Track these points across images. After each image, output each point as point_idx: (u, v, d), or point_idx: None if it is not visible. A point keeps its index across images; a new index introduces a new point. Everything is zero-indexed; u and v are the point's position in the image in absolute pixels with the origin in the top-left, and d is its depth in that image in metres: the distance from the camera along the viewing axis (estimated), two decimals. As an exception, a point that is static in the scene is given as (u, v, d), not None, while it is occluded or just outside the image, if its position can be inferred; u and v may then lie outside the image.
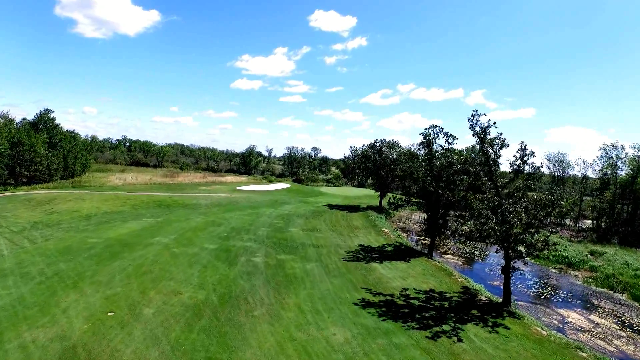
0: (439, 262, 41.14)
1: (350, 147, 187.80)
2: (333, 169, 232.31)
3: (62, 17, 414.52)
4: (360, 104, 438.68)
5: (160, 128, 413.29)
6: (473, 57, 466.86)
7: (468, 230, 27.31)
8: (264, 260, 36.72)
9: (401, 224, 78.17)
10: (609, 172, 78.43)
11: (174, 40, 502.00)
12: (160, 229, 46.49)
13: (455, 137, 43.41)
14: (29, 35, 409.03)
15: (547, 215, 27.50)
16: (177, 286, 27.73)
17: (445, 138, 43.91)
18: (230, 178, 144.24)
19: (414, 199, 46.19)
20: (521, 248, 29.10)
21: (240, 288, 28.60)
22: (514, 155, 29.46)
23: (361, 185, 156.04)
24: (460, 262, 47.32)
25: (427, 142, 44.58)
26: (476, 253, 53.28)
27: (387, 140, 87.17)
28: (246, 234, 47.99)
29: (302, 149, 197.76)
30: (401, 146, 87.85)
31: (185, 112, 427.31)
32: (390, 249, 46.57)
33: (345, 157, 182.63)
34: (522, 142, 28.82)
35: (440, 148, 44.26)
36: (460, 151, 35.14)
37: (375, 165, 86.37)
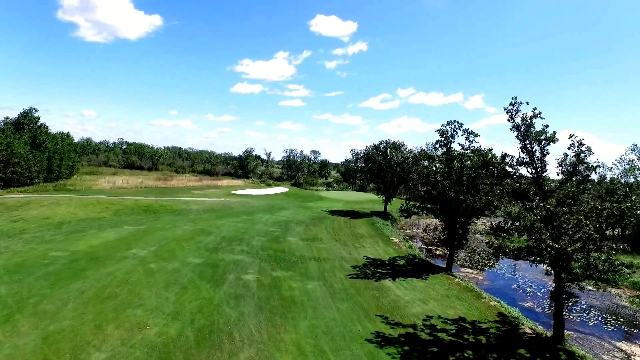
0: (461, 280, 35.41)
1: (352, 149, 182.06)
2: (333, 172, 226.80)
3: (64, 21, 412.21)
4: (360, 108, 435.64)
5: (159, 131, 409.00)
6: (472, 62, 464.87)
7: (515, 248, 21.71)
8: (256, 278, 30.98)
9: (409, 231, 72.55)
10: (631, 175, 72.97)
11: (175, 45, 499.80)
12: (140, 238, 40.71)
13: (476, 134, 37.84)
14: (30, 39, 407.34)
15: (611, 227, 21.83)
16: (145, 316, 21.96)
17: (465, 136, 38.33)
18: (226, 182, 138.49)
19: (429, 206, 40.44)
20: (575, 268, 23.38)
21: (225, 318, 22.86)
22: (565, 153, 23.92)
23: (362, 189, 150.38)
24: (482, 277, 41.65)
25: (445, 140, 38.99)
26: (488, 262, 47.66)
27: (393, 141, 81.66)
28: (238, 244, 42.25)
29: (301, 152, 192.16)
30: (407, 147, 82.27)
31: (184, 115, 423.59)
32: (402, 262, 40.82)
33: (346, 160, 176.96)
34: (573, 135, 23.25)
35: (460, 147, 38.66)
36: (490, 150, 29.35)
37: (380, 168, 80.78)
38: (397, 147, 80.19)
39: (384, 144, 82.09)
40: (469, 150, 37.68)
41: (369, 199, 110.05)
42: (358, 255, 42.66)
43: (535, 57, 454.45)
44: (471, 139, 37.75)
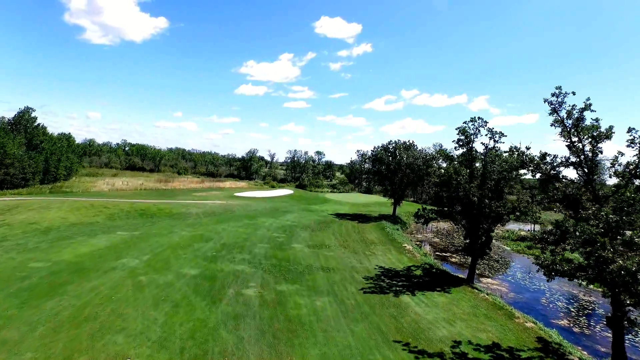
0: (486, 294, 31.80)
1: (358, 150, 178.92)
2: (338, 174, 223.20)
3: (71, 24, 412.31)
4: (364, 109, 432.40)
5: (163, 133, 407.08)
6: (477, 64, 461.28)
7: (573, 267, 18.15)
8: (258, 293, 27.56)
9: (419, 235, 69.04)
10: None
11: (180, 47, 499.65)
12: (133, 246, 37.41)
13: (503, 133, 34.21)
14: (37, 42, 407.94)
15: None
16: (127, 345, 18.57)
17: (489, 135, 34.73)
18: (229, 183, 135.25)
19: (447, 211, 36.82)
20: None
21: (221, 345, 19.45)
22: (619, 152, 20.29)
23: (369, 191, 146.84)
24: (505, 289, 38.04)
25: (467, 139, 35.44)
26: (504, 270, 44.02)
27: (402, 141, 78.03)
28: (239, 252, 38.87)
29: (306, 153, 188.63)
30: (417, 148, 78.65)
31: (188, 117, 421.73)
32: (418, 272, 37.27)
33: (351, 161, 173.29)
34: (633, 130, 19.62)
35: (483, 147, 35.07)
36: (528, 148, 25.49)
37: (388, 170, 77.20)
38: (407, 147, 76.56)
39: (393, 145, 78.50)
40: (496, 151, 34.08)
41: (376, 202, 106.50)
42: (369, 264, 39.17)
43: (539, 59, 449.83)
44: (497, 139, 34.15)
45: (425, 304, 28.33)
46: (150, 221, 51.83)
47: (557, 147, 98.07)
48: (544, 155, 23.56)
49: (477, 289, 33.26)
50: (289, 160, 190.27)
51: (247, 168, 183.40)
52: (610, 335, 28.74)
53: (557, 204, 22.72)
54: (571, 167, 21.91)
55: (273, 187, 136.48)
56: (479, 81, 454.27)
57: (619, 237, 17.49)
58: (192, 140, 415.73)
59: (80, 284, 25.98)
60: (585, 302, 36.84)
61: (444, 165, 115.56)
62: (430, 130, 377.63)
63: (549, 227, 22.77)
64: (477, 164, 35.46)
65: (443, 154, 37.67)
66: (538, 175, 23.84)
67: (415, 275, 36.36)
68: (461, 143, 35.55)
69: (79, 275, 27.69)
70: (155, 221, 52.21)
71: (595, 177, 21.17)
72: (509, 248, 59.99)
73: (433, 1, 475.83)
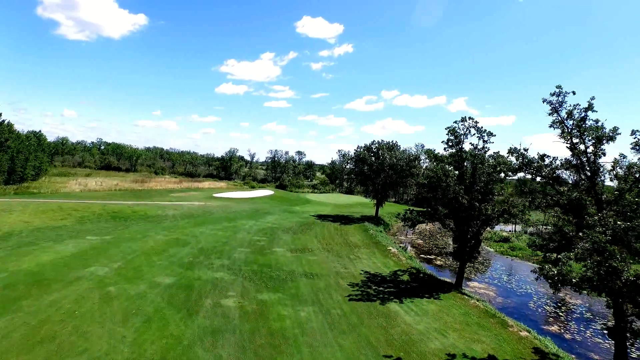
0: (477, 300, 30.68)
1: (339, 150, 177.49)
2: (318, 174, 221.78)
3: (45, 18, 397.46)
4: (345, 109, 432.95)
5: (142, 132, 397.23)
6: (456, 65, 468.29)
7: (583, 278, 16.95)
8: (238, 303, 25.66)
9: (402, 237, 68.11)
10: None
11: (160, 44, 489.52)
12: (103, 252, 34.87)
13: (492, 133, 33.26)
14: (8, 36, 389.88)
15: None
16: (89, 369, 16.47)
17: (478, 135, 33.70)
18: (208, 184, 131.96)
19: (436, 214, 35.63)
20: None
21: (197, 367, 17.54)
22: (621, 154, 19.30)
23: (350, 191, 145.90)
24: (493, 293, 37.15)
25: (456, 139, 34.33)
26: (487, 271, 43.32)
27: (386, 141, 77.00)
28: (218, 257, 36.81)
29: (286, 153, 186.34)
30: (401, 148, 77.80)
31: (168, 116, 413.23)
32: (405, 277, 35.97)
33: (332, 161, 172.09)
34: (637, 132, 18.65)
35: (473, 147, 34.00)
36: (526, 149, 24.18)
37: (371, 170, 76.03)
38: (390, 147, 75.58)
39: (376, 145, 77.41)
40: (483, 152, 33.10)
41: (358, 202, 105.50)
42: (354, 269, 37.68)
43: (516, 61, 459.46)
44: (486, 139, 33.14)
45: (414, 312, 26.95)
46: (123, 224, 49.06)
47: (541, 149, 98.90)
48: (542, 157, 22.50)
49: (466, 294, 32.15)
50: (269, 160, 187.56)
51: (227, 168, 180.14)
52: (602, 341, 28.14)
53: (557, 209, 21.63)
54: (572, 170, 20.86)
55: (253, 187, 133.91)
56: (458, 83, 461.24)
57: (629, 245, 16.41)
58: (173, 140, 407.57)
59: (38, 297, 23.54)
60: (573, 305, 36.30)
61: (424, 166, 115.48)
62: (411, 131, 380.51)
63: (547, 231, 21.64)
64: (468, 165, 34.36)
65: (431, 154, 36.41)
66: (538, 179, 22.80)
67: (402, 280, 35.04)
68: (451, 144, 34.43)
69: (38, 287, 25.17)
70: (129, 224, 49.46)
71: (598, 180, 20.14)
72: (492, 249, 59.57)
73: (414, 4, 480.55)
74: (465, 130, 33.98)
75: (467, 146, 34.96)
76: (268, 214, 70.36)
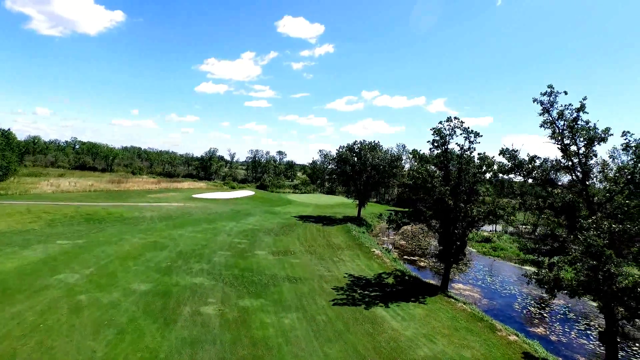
0: (463, 303, 30.22)
1: (320, 150, 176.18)
2: (299, 174, 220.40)
3: (14, 12, 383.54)
4: (325, 109, 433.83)
5: (120, 131, 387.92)
6: (435, 67, 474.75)
7: (579, 283, 16.42)
8: (219, 310, 24.46)
9: (385, 238, 67.65)
10: None
11: (138, 42, 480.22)
12: (75, 257, 33.04)
13: (478, 134, 32.90)
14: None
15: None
16: (54, 390, 15.10)
17: (465, 135, 33.31)
18: (187, 184, 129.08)
19: (419, 214, 35.09)
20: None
21: (174, 383, 16.34)
22: (611, 156, 19.05)
23: (331, 191, 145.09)
24: (478, 295, 36.88)
25: (442, 140, 33.86)
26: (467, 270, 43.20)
27: (367, 141, 76.52)
28: (197, 261, 35.43)
29: (267, 153, 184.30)
30: (383, 148, 77.44)
31: (146, 115, 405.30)
32: (390, 280, 35.33)
33: (313, 161, 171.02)
34: (627, 133, 18.36)
35: (459, 148, 33.61)
36: (516, 150, 23.69)
37: (353, 170, 75.40)
38: (372, 148, 75.11)
39: (358, 145, 76.84)
40: (470, 152, 32.75)
41: (340, 203, 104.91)
42: (338, 272, 36.86)
43: (493, 64, 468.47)
44: (472, 139, 32.78)
45: (401, 317, 26.26)
46: (97, 227, 46.98)
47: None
48: (532, 158, 22.10)
49: (452, 297, 31.71)
50: (249, 160, 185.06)
51: (207, 168, 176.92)
52: (586, 342, 28.04)
53: (547, 211, 21.22)
54: (564, 172, 20.49)
55: (233, 187, 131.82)
56: (437, 84, 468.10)
57: (627, 248, 16.02)
58: (151, 139, 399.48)
59: (0, 309, 21.84)
60: (555, 305, 36.30)
61: (406, 166, 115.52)
62: (391, 131, 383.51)
63: (527, 230, 21.15)
64: (452, 165, 33.94)
65: (417, 155, 35.86)
66: (530, 180, 22.40)
67: (387, 283, 34.38)
68: (436, 144, 33.94)
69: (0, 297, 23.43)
70: (104, 227, 47.41)
71: (589, 182, 19.81)
72: (474, 250, 59.65)
73: (394, 6, 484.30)
74: (450, 130, 33.56)
75: (453, 147, 34.58)
76: (249, 215, 68.95)
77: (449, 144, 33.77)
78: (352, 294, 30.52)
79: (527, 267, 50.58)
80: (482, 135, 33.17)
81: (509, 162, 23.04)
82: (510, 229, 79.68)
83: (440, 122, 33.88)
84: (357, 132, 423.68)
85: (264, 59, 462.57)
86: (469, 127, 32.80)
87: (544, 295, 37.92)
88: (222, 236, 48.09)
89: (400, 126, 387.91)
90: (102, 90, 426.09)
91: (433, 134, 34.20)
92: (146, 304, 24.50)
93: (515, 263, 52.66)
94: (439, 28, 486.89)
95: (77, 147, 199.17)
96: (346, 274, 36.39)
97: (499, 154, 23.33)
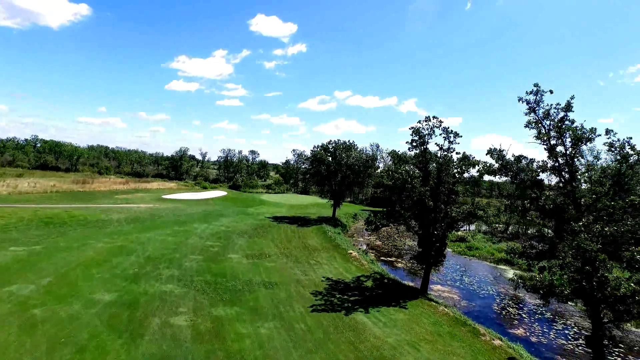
0: (445, 306, 29.65)
1: (294, 150, 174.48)
2: (272, 173, 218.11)
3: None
4: (298, 109, 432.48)
5: (86, 129, 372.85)
6: (406, 68, 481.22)
7: (566, 287, 15.74)
8: (191, 321, 22.85)
9: (361, 239, 67.04)
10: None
11: (105, 37, 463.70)
12: (30, 266, 30.52)
13: (458, 134, 32.47)
14: None
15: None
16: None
17: (444, 135, 32.80)
18: (156, 184, 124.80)
19: (398, 215, 34.35)
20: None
21: (140, 408, 14.76)
22: (595, 157, 18.67)
23: (305, 191, 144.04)
24: (457, 296, 36.57)
25: (421, 140, 33.24)
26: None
27: (342, 141, 75.71)
28: (167, 267, 33.52)
29: (240, 152, 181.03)
30: (358, 148, 76.83)
31: (114, 113, 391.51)
32: (370, 284, 34.48)
33: (287, 160, 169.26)
34: (611, 132, 18.02)
35: (438, 148, 33.06)
36: (501, 150, 23.12)
37: (328, 170, 74.42)
38: (347, 147, 74.36)
39: (333, 145, 75.92)
40: (450, 153, 32.26)
41: (314, 203, 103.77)
42: (315, 275, 35.72)
43: (461, 66, 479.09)
44: (451, 139, 32.29)
45: (383, 322, 25.37)
46: (58, 231, 44.01)
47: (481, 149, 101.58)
48: (518, 158, 21.59)
49: (433, 300, 31.13)
50: (221, 160, 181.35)
51: (177, 167, 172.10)
52: (565, 342, 27.97)
53: (533, 212, 20.72)
54: (551, 173, 20.02)
55: (205, 188, 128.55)
56: (408, 84, 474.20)
57: (617, 252, 15.56)
58: (121, 138, 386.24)
59: (-56, 325, 19.54)
60: (532, 305, 36.35)
61: (380, 166, 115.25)
62: (363, 131, 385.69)
63: (500, 229, 20.58)
64: (431, 165, 33.38)
65: (395, 155, 35.12)
66: (518, 181, 21.82)
67: (366, 287, 33.50)
68: (415, 144, 33.29)
69: (-55, 312, 21.05)
70: (65, 231, 44.48)
71: (575, 184, 19.41)
72: (450, 250, 59.75)
73: (366, 7, 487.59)
74: (429, 130, 32.99)
75: (432, 147, 34.07)
76: (221, 216, 66.83)
77: (428, 143, 33.23)
78: (330, 299, 29.44)
79: (502, 267, 51.15)
80: (461, 136, 32.78)
81: (496, 162, 22.47)
82: (484, 227, 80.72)
83: (419, 122, 33.31)
84: (330, 132, 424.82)
85: (236, 57, 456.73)
86: (448, 127, 32.35)
87: (520, 294, 38.08)
88: (194, 239, 46.08)
89: (372, 126, 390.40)
90: (66, 86, 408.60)
91: (412, 134, 33.56)
92: (110, 316, 22.61)
93: (491, 262, 53.05)
94: (410, 28, 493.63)
95: (38, 145, 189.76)
96: (324, 277, 35.30)
97: (486, 154, 22.81)
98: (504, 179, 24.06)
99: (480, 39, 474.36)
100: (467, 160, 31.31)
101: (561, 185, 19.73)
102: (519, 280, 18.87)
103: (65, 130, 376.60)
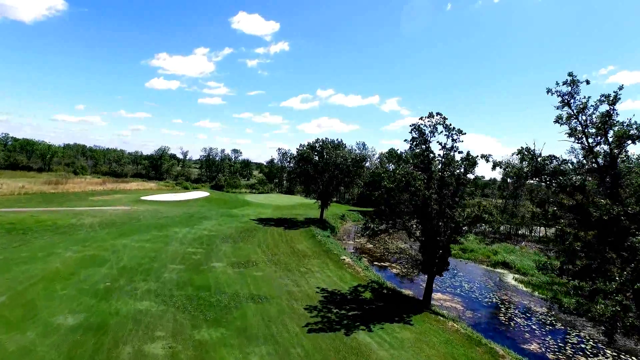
0: (454, 321, 26.96)
1: (279, 149, 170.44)
2: (256, 172, 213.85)
3: None
4: (281, 107, 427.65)
5: (63, 127, 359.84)
6: (388, 67, 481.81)
7: (636, 319, 13.27)
8: (169, 349, 19.56)
9: (351, 242, 64.39)
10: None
11: (82, 33, 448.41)
12: (-16, 281, 26.65)
13: (462, 130, 29.87)
14: None
15: None
16: None
17: (447, 133, 30.18)
18: (135, 185, 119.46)
19: (399, 221, 31.60)
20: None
21: None
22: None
23: (290, 191, 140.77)
24: (460, 306, 34.10)
25: (422, 138, 30.54)
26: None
27: (330, 139, 72.81)
28: (144, 279, 30.01)
29: (222, 151, 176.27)
30: (346, 147, 74.06)
31: (92, 111, 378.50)
32: (368, 295, 31.65)
33: (271, 159, 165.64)
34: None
35: (441, 147, 30.43)
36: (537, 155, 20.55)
37: (316, 170, 71.39)
38: (335, 146, 71.48)
39: (320, 143, 72.92)
40: (454, 152, 29.67)
41: (301, 203, 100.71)
42: (308, 286, 32.72)
43: (443, 65, 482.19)
44: (455, 137, 29.69)
45: (389, 343, 22.54)
46: (21, 239, 39.81)
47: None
48: (550, 158, 18.97)
49: (439, 314, 28.48)
50: (203, 159, 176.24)
51: (157, 167, 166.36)
52: (584, 359, 25.64)
53: (563, 221, 18.12)
54: (592, 176, 17.47)
55: (187, 188, 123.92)
56: (390, 84, 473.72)
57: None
58: (98, 136, 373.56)
59: None
60: (540, 314, 34.15)
61: (367, 165, 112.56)
62: (346, 129, 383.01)
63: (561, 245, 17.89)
64: (436, 167, 30.73)
65: (394, 154, 32.36)
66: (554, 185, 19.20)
67: (365, 298, 30.66)
68: (416, 142, 30.57)
69: None
70: (29, 239, 40.29)
71: (622, 189, 16.92)
72: (444, 252, 57.52)
73: (349, 5, 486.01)
74: (432, 127, 30.31)
75: (433, 146, 31.44)
76: (204, 219, 63.13)
77: (430, 142, 30.54)
78: (327, 314, 26.46)
79: (500, 270, 49.13)
80: (465, 133, 30.23)
81: (529, 164, 19.79)
82: (475, 228, 78.92)
83: (421, 118, 30.57)
84: (312, 131, 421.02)
85: (218, 55, 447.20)
86: (451, 124, 29.73)
87: (524, 302, 35.78)
88: (174, 245, 42.48)
89: (355, 124, 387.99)
90: (41, 83, 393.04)
91: (412, 131, 30.85)
92: (72, 345, 19.13)
93: (487, 266, 50.97)
94: (391, 26, 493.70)
95: (9, 143, 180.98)
96: (317, 288, 32.33)
97: (517, 154, 20.09)
98: (530, 181, 21.55)
99: (460, 38, 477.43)
100: (470, 159, 28.76)
101: (600, 190, 17.27)
102: (583, 310, 16.20)
103: (40, 128, 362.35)
